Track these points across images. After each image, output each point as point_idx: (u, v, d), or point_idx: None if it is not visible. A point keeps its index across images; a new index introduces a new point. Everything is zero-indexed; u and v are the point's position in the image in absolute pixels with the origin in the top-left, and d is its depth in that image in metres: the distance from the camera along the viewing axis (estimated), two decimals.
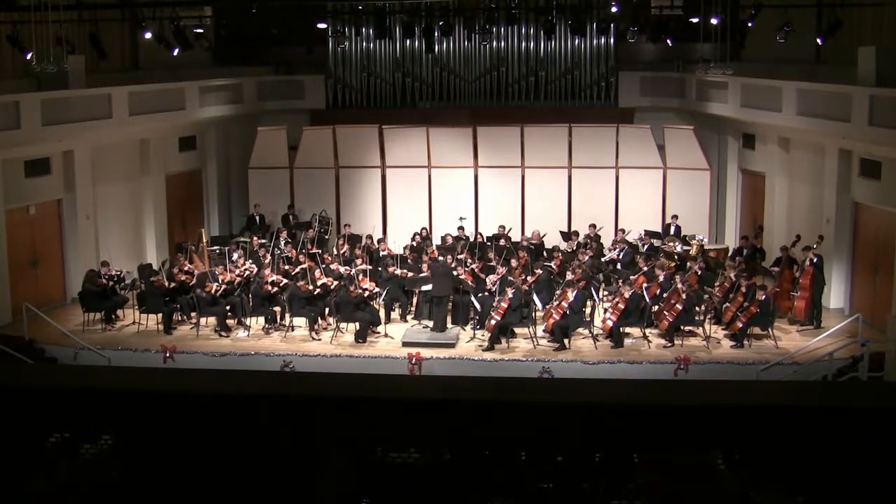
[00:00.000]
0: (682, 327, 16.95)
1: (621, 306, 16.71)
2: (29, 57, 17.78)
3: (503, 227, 21.13)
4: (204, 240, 21.01)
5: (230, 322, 17.76)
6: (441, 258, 18.20)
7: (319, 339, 17.19)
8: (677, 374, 15.70)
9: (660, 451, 2.84)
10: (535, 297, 17.27)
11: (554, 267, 18.74)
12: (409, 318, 18.24)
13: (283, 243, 20.47)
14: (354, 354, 16.54)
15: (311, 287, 17.43)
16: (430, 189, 23.30)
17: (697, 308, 17.06)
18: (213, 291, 17.57)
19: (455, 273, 17.79)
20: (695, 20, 20.85)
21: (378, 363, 16.19)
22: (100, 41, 20.54)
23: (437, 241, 21.12)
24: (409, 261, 18.94)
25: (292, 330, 17.55)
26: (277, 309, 17.85)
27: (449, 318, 17.93)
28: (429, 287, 17.49)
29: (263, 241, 20.78)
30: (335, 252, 20.23)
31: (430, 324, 17.51)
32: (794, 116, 19.50)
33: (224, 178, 24.98)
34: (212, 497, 2.93)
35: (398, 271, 18.32)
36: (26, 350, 16.56)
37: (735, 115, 21.87)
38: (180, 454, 2.90)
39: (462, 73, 24.85)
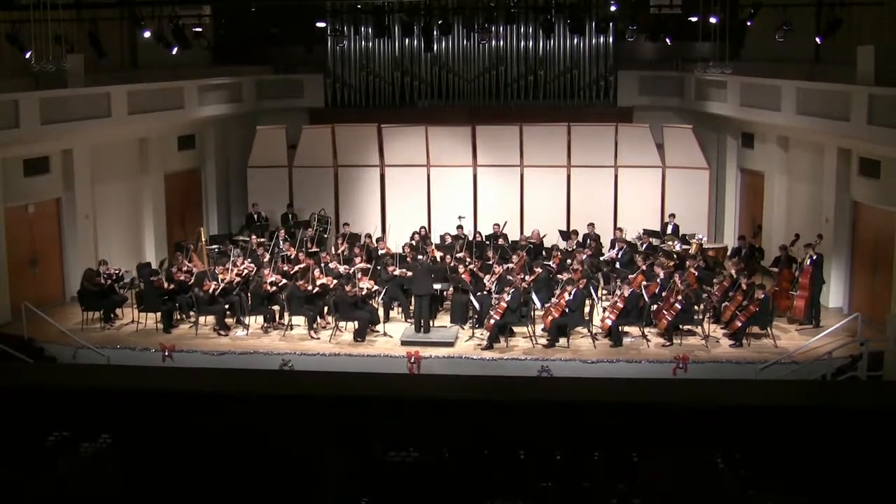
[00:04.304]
0: (681, 326, 16.95)
1: (620, 305, 16.71)
2: (28, 56, 17.77)
3: (497, 225, 21.12)
4: (203, 239, 21.00)
5: (229, 321, 17.77)
6: (422, 257, 18.19)
7: (318, 338, 17.19)
8: (676, 373, 15.71)
9: (659, 450, 2.84)
10: (533, 296, 17.27)
11: (553, 266, 18.74)
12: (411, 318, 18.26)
13: (282, 242, 20.48)
14: (353, 353, 16.53)
15: (310, 286, 17.44)
16: (428, 188, 23.29)
17: (696, 307, 17.06)
18: (210, 290, 17.56)
19: (434, 271, 17.80)
20: (694, 19, 20.84)
21: (377, 362, 16.18)
22: (99, 40, 20.54)
23: (436, 240, 21.12)
24: (408, 260, 18.95)
25: (291, 329, 17.55)
26: (276, 308, 17.85)
27: (448, 317, 17.95)
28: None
29: (262, 240, 20.77)
30: (334, 251, 20.23)
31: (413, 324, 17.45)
32: (793, 115, 19.49)
33: (223, 177, 24.97)
34: (211, 497, 2.92)
35: (398, 271, 18.31)
36: (25, 349, 16.56)
37: (734, 115, 21.86)
38: (179, 453, 2.90)
39: (461, 72, 24.84)
